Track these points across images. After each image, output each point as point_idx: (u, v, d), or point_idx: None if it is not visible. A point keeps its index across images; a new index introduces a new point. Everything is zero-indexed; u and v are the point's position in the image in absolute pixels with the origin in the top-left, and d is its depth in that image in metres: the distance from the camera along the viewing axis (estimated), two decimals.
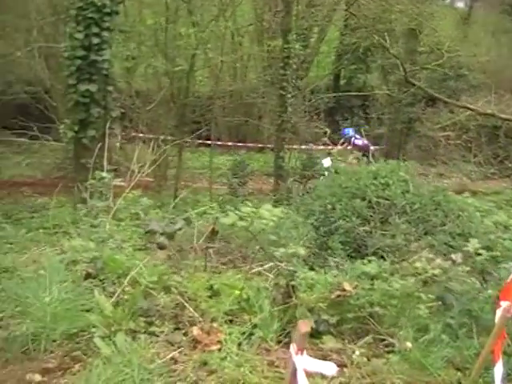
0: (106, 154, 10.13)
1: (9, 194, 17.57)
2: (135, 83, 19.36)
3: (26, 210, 14.91)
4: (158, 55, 18.18)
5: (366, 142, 22.72)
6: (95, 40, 12.15)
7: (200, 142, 21.69)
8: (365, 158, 20.96)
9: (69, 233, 8.45)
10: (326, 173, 20.90)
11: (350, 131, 22.60)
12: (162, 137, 16.51)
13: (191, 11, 18.08)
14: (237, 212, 5.29)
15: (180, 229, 6.03)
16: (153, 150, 13.35)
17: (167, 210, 9.46)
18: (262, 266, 5.65)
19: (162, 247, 5.60)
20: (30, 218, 13.43)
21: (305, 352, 3.07)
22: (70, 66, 12.33)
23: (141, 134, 17.96)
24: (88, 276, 5.95)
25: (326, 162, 20.67)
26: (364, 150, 21.73)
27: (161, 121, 18.74)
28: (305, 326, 3.02)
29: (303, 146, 21.17)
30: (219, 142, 23.48)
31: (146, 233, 6.50)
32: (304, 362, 3.10)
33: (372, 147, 22.43)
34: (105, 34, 12.29)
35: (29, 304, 5.46)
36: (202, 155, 23.47)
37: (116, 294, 5.11)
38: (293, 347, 3.07)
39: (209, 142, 21.15)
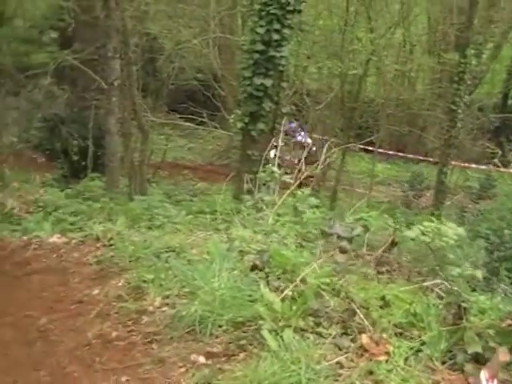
0: (279, 148, 10.23)
1: (170, 175, 18.14)
2: (306, 82, 19.49)
3: (185, 192, 15.33)
4: (332, 57, 18.23)
5: (308, 140, 20.31)
6: (275, 36, 12.30)
7: (361, 147, 21.59)
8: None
9: (229, 221, 8.65)
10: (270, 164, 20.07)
11: (294, 125, 20.21)
12: (326, 137, 16.57)
13: (370, 17, 18.01)
14: (420, 226, 5.23)
15: (358, 235, 6.03)
16: (316, 150, 13.41)
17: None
18: (433, 282, 5.55)
19: (343, 251, 5.60)
20: (190, 200, 13.79)
21: (495, 381, 2.99)
22: (248, 59, 12.55)
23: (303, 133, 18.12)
24: (254, 267, 6.04)
25: (271, 155, 19.93)
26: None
27: (327, 122, 18.81)
28: (504, 355, 2.94)
29: (473, 165, 20.55)
30: (380, 150, 23.30)
31: (322, 234, 6.54)
32: None
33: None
34: (285, 31, 12.41)
35: (196, 286, 5.61)
36: (360, 160, 23.38)
37: (287, 290, 5.15)
38: (484, 373, 3.00)
39: (370, 148, 21.03)
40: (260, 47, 12.34)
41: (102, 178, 13.72)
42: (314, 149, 19.86)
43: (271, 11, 12.30)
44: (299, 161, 12.86)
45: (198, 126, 20.50)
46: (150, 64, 20.54)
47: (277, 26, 12.32)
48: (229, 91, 20.89)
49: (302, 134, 20.51)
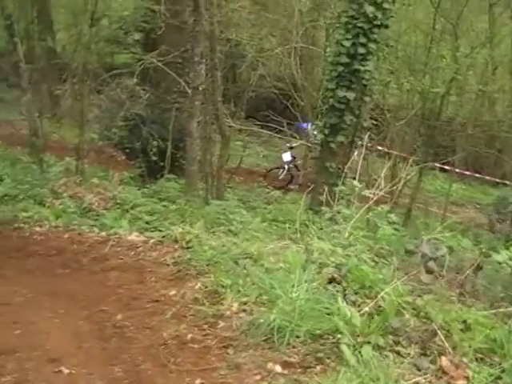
0: (360, 162, 10.20)
1: (245, 181, 18.23)
2: (388, 97, 19.35)
3: (260, 199, 15.38)
4: (414, 73, 18.07)
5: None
6: (361, 50, 12.25)
7: (437, 165, 21.31)
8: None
9: (305, 231, 8.63)
10: (286, 166, 19.53)
11: (308, 125, 20.27)
12: (403, 154, 16.43)
13: (457, 35, 17.80)
14: (508, 252, 5.15)
15: (443, 256, 5.95)
16: (394, 165, 13.31)
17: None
18: None
19: (429, 271, 5.55)
20: (264, 208, 13.82)
21: None
22: (332, 71, 12.54)
23: (381, 148, 17.99)
24: (332, 280, 6.03)
25: (286, 157, 19.78)
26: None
27: (406, 139, 18.66)
28: None
29: None
30: (457, 170, 22.94)
31: (407, 252, 6.49)
32: None
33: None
34: (371, 45, 12.35)
35: (275, 295, 5.63)
36: (435, 178, 23.09)
37: (368, 306, 5.13)
38: None
39: (446, 167, 20.75)
40: (345, 60, 12.31)
41: (178, 179, 13.88)
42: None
43: (358, 25, 12.27)
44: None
45: (275, 134, 20.52)
46: (230, 70, 20.68)
47: (363, 39, 12.27)
48: (308, 101, 20.87)
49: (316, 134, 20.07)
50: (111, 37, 21.04)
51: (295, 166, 20.03)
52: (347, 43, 12.31)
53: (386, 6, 12.25)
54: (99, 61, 15.57)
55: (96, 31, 13.85)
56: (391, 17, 12.89)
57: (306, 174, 18.96)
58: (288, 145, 20.34)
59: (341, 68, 12.37)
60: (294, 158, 20.04)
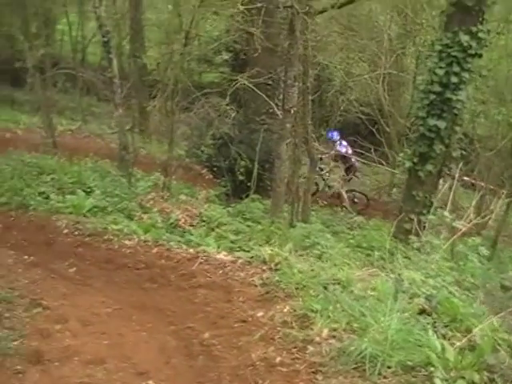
0: (451, 193, 10.10)
1: (328, 204, 18.20)
2: (477, 127, 19.08)
3: (343, 224, 15.32)
4: (505, 103, 17.77)
5: (350, 151, 19.50)
6: (454, 79, 12.13)
7: None
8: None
9: (392, 260, 8.57)
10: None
11: (335, 134, 19.59)
12: (491, 186, 16.16)
13: None
14: None
15: None
16: (481, 197, 13.11)
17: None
18: None
19: None
20: (347, 233, 13.77)
21: None
22: (423, 99, 12.45)
23: (468, 178, 17.71)
24: (422, 311, 5.99)
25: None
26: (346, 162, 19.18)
27: (495, 170, 18.31)
28: None
29: None
30: None
31: (502, 287, 6.40)
32: None
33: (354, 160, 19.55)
34: (464, 74, 12.21)
35: (365, 323, 5.62)
36: None
37: (462, 341, 5.07)
38: None
39: None
40: (437, 89, 12.21)
41: (262, 199, 13.96)
42: (354, 160, 19.48)
43: (452, 53, 12.16)
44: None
45: (359, 159, 20.44)
46: (317, 93, 20.70)
47: (456, 68, 12.15)
48: (394, 128, 20.82)
49: (344, 144, 19.80)
50: (202, 56, 21.40)
51: (320, 176, 19.46)
52: (440, 72, 12.21)
53: (481, 35, 12.11)
54: (188, 79, 15.79)
55: (189, 50, 14.09)
56: (485, 46, 12.73)
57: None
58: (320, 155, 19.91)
59: (432, 96, 12.27)
60: (321, 169, 19.68)
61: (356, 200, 19.33)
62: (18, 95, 26.81)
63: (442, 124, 12.18)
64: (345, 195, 18.38)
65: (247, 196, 14.18)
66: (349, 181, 19.32)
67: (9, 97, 27.23)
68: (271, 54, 14.56)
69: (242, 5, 12.71)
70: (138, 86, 22.35)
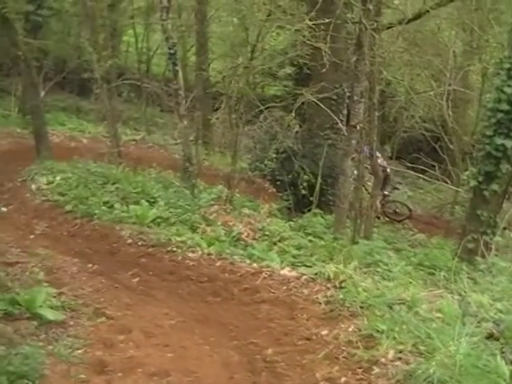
0: None
1: (389, 222, 18.08)
2: None
3: (405, 241, 15.16)
4: None
5: (385, 163, 18.43)
6: None
7: None
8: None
9: (456, 280, 8.47)
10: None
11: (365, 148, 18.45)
12: None
13: None
14: None
15: None
16: None
17: None
18: None
19: None
20: (408, 251, 13.62)
21: None
22: (491, 118, 12.27)
23: None
24: (490, 336, 5.91)
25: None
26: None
27: None
28: None
29: None
30: None
31: None
32: None
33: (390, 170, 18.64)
34: None
35: (432, 346, 5.56)
36: None
37: None
38: None
39: None
40: (505, 107, 12.02)
41: (324, 214, 13.90)
42: (389, 170, 18.96)
43: None
44: None
45: (422, 176, 20.25)
46: (381, 109, 20.58)
47: None
48: (457, 145, 20.54)
49: (378, 154, 19.15)
50: (266, 69, 21.49)
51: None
52: (509, 90, 12.02)
53: None
54: (252, 92, 15.87)
55: (254, 64, 14.17)
56: None
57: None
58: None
59: (500, 115, 12.08)
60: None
61: (397, 210, 19.10)
62: (83, 104, 27.29)
63: (509, 143, 11.98)
64: (378, 205, 18.07)
65: (309, 210, 14.15)
66: (391, 192, 19.07)
67: (75, 106, 27.77)
68: (336, 69, 14.55)
69: (310, 20, 12.74)
70: (201, 98, 22.55)
